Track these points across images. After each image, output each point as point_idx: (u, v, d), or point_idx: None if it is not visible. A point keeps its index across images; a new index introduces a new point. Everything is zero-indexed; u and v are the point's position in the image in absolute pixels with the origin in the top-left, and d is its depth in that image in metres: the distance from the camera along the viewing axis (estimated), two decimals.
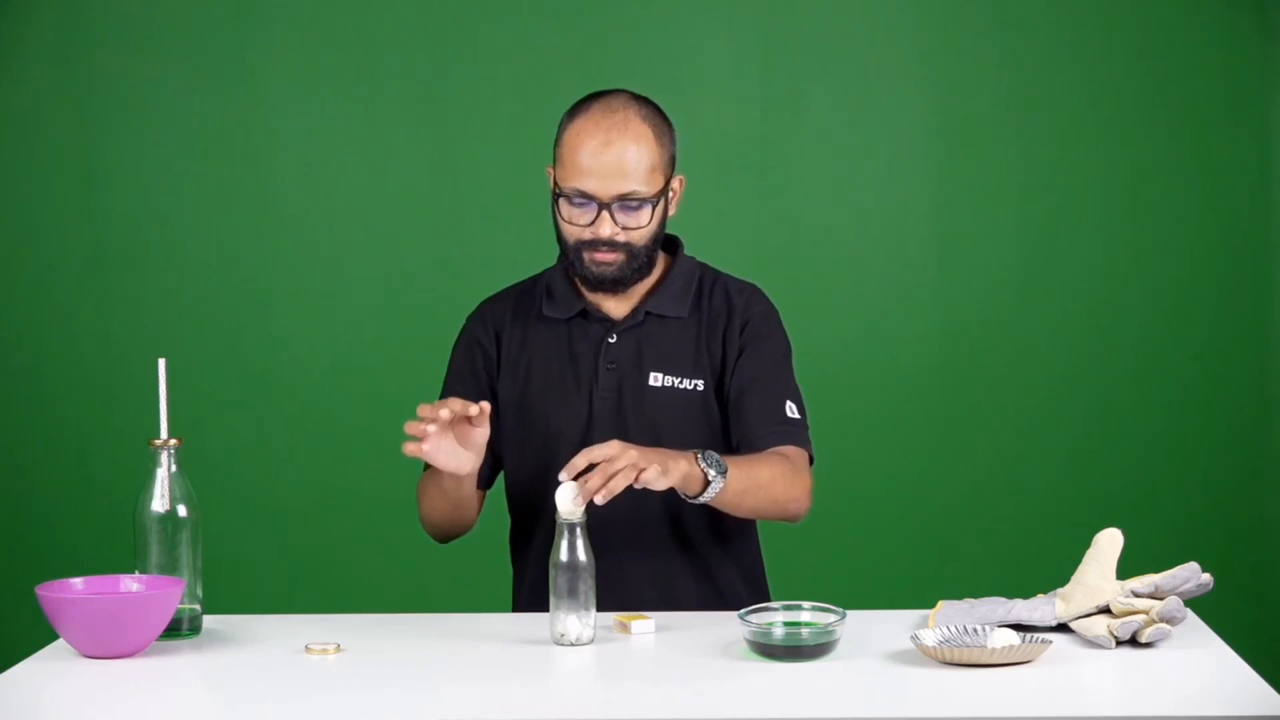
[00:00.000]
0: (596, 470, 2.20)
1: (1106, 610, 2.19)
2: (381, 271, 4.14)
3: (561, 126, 2.51)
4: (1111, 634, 2.14)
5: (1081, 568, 2.24)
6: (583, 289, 2.56)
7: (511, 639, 2.25)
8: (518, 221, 3.96)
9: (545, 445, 2.54)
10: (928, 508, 4.14)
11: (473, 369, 2.60)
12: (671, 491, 2.32)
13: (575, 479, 2.22)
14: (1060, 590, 2.24)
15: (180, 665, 2.16)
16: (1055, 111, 4.11)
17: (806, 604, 2.19)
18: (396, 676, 2.08)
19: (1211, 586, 2.20)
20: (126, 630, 2.16)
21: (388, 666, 2.12)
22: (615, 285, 2.52)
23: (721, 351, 2.56)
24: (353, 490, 4.12)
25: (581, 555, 2.21)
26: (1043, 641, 2.07)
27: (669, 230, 2.58)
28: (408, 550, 3.66)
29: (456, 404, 2.32)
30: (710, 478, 2.31)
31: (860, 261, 4.14)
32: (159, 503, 2.27)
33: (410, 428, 2.32)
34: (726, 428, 2.55)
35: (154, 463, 2.28)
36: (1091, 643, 2.16)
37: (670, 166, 2.52)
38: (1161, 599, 2.17)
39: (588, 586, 2.20)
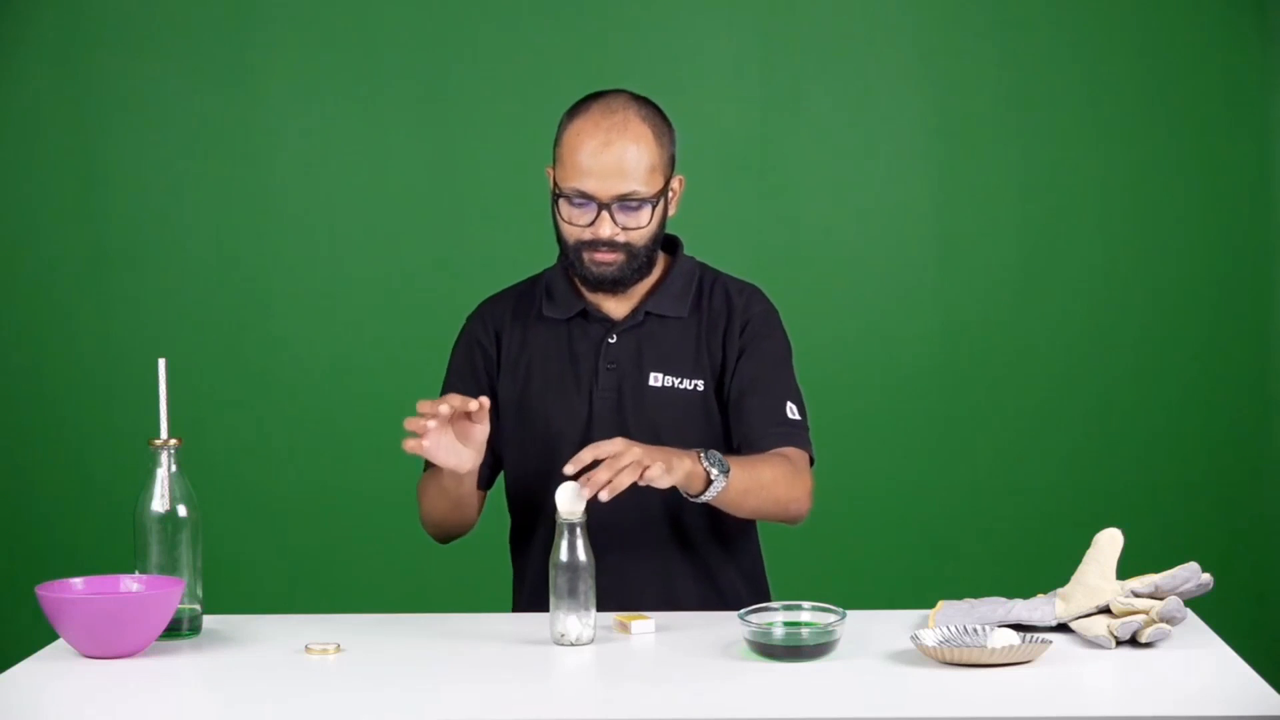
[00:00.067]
0: (602, 465, 2.21)
1: (1106, 610, 2.19)
2: (381, 271, 4.14)
3: (561, 127, 2.51)
4: (1111, 634, 2.14)
5: (1081, 568, 2.24)
6: (583, 289, 2.56)
7: (511, 639, 2.25)
8: (518, 221, 3.96)
9: (545, 445, 2.54)
10: (928, 508, 4.14)
11: (473, 369, 2.60)
12: (672, 491, 2.32)
13: (579, 474, 2.22)
14: (1060, 590, 2.24)
15: (180, 665, 2.16)
16: (1055, 111, 4.11)
17: (806, 604, 2.19)
18: (396, 676, 2.08)
19: (1211, 586, 2.20)
20: (126, 630, 2.16)
21: (388, 666, 2.12)
22: (615, 285, 2.52)
23: (722, 352, 2.56)
24: (353, 490, 4.12)
25: (581, 555, 2.21)
26: (1043, 641, 2.07)
27: (669, 230, 2.58)
28: (408, 550, 3.66)
29: (456, 399, 2.32)
30: (713, 477, 2.31)
31: (860, 261, 4.14)
32: (159, 503, 2.27)
33: (410, 424, 2.32)
34: (727, 428, 2.55)
35: (154, 463, 2.28)
36: (1091, 643, 2.16)
37: (670, 166, 2.52)
38: (1161, 599, 2.17)
39: (588, 586, 2.20)
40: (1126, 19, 4.10)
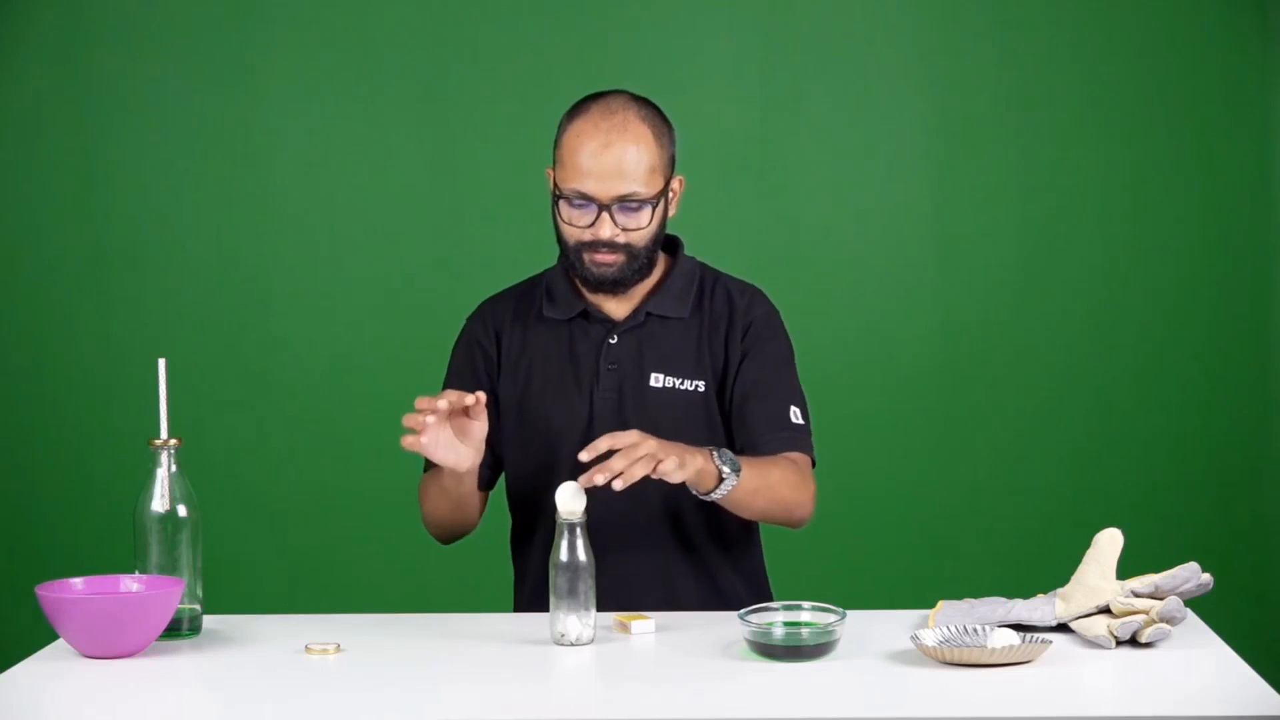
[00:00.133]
0: (618, 454, 2.21)
1: (1106, 610, 2.19)
2: (381, 271, 4.14)
3: (561, 128, 2.50)
4: (1111, 634, 2.14)
5: (1081, 568, 2.24)
6: (583, 290, 2.56)
7: (511, 639, 2.25)
8: (518, 221, 3.96)
9: (546, 446, 2.54)
10: (928, 508, 4.14)
11: (473, 369, 2.60)
12: (673, 491, 2.32)
13: (591, 464, 2.21)
14: (1060, 590, 2.24)
15: (180, 665, 2.16)
16: (1055, 111, 4.11)
17: (806, 604, 2.19)
18: (396, 676, 2.08)
19: (1211, 586, 2.20)
20: (126, 630, 2.16)
21: (388, 666, 2.12)
22: (615, 286, 2.52)
23: (724, 354, 2.55)
24: (353, 490, 4.12)
25: (581, 555, 2.21)
26: (1043, 641, 2.07)
27: (669, 230, 2.58)
28: (408, 550, 3.66)
29: (453, 395, 2.33)
30: (724, 475, 2.31)
31: (860, 261, 4.14)
32: (159, 503, 2.27)
33: (408, 420, 2.31)
34: (728, 428, 2.55)
35: (154, 463, 2.28)
36: (1091, 643, 2.16)
37: (670, 167, 2.52)
38: (1161, 599, 2.17)
39: (588, 586, 2.20)
40: (1126, 19, 4.10)
